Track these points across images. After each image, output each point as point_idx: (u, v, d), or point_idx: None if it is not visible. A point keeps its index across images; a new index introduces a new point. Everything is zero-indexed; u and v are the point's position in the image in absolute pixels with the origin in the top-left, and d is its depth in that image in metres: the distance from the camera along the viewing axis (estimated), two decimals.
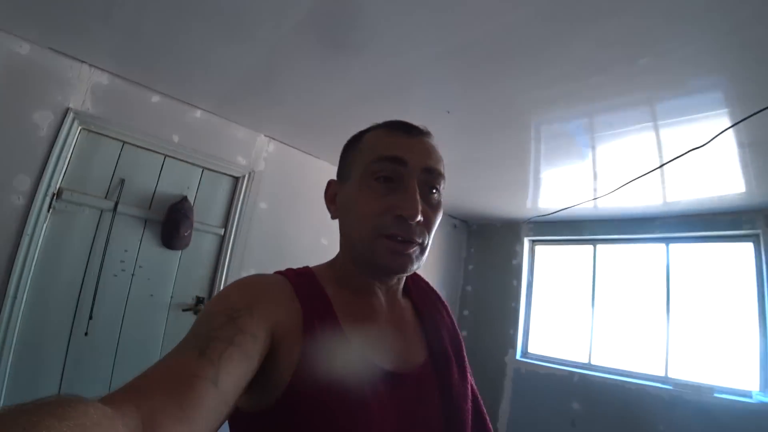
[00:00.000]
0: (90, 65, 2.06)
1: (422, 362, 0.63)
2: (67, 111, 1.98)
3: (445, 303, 0.78)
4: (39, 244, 1.89)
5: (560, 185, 3.00)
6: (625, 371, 3.32)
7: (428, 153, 0.61)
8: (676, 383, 3.04)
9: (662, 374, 3.15)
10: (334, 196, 0.67)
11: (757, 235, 2.94)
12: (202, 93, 2.25)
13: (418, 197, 0.57)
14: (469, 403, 0.63)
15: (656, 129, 2.00)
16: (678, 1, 1.22)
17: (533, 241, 4.13)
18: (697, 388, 2.93)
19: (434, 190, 0.61)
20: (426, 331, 0.67)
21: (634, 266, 3.51)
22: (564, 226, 3.84)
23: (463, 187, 3.31)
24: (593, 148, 2.33)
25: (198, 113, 2.43)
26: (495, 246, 4.32)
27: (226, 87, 2.13)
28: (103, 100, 2.10)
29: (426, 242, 0.60)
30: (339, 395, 0.50)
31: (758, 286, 2.88)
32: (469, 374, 0.68)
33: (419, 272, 0.73)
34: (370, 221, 0.58)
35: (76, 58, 2.02)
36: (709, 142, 1.98)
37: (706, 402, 2.87)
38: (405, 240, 0.57)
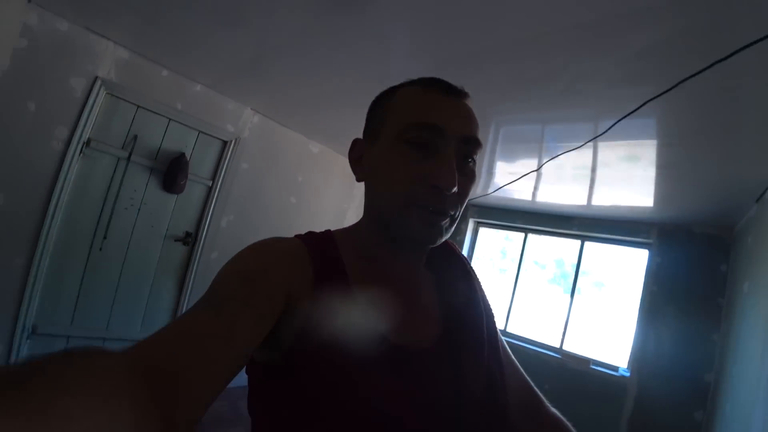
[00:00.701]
0: (114, 43, 2.64)
1: (436, 339, 0.59)
2: (95, 79, 2.59)
3: (476, 275, 0.71)
4: (71, 180, 2.58)
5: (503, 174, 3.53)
6: (530, 339, 4.06)
7: (467, 119, 0.56)
8: (565, 353, 3.76)
9: (557, 345, 3.87)
10: (360, 157, 0.62)
11: (650, 244, 3.53)
12: (202, 70, 2.82)
13: (455, 167, 0.53)
14: (482, 386, 0.58)
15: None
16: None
17: (477, 222, 4.76)
18: (579, 360, 3.65)
19: (470, 160, 0.57)
20: (443, 306, 0.63)
21: (554, 255, 4.15)
22: (503, 214, 4.44)
23: None
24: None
25: (198, 87, 3.02)
26: None
27: (222, 67, 2.69)
28: (124, 71, 2.70)
29: (457, 214, 0.57)
30: (340, 359, 0.50)
31: (644, 286, 3.50)
32: (495, 353, 0.63)
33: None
34: (402, 188, 0.54)
35: (104, 35, 2.59)
36: (580, 146, 2.45)
37: (584, 371, 3.59)
38: (437, 211, 0.54)
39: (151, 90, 2.82)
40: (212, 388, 0.37)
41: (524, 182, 3.40)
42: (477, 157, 0.58)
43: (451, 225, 0.57)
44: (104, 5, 2.25)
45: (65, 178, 2.53)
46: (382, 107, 0.61)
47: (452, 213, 0.56)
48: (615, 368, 3.53)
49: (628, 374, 3.39)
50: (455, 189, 0.52)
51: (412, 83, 0.60)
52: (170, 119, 2.95)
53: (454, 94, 0.57)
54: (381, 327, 0.54)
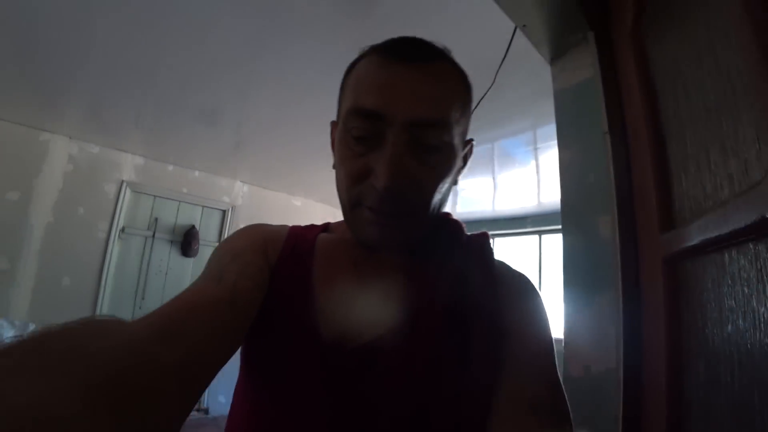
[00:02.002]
0: (132, 154, 3.65)
1: (397, 339, 0.47)
2: (122, 182, 3.57)
3: (502, 280, 0.54)
4: (114, 259, 3.47)
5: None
6: None
7: (419, 95, 0.43)
8: None
9: None
10: (333, 142, 0.54)
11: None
12: (198, 160, 3.81)
13: (399, 159, 0.43)
14: (451, 395, 0.45)
15: None
16: None
17: None
18: None
19: (432, 148, 0.45)
20: (411, 302, 0.49)
21: (521, 254, 4.90)
22: (472, 226, 5.24)
23: None
24: None
25: (196, 173, 4.02)
26: None
27: (212, 154, 3.66)
28: (141, 172, 3.69)
29: (425, 212, 0.47)
30: (272, 346, 0.50)
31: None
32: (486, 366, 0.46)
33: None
34: (347, 187, 0.47)
35: (124, 150, 3.60)
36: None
37: None
38: (383, 213, 0.45)
39: (163, 182, 3.80)
40: (221, 351, 0.39)
41: (484, 192, 4.23)
42: (445, 140, 0.45)
43: (417, 225, 0.48)
44: (121, 130, 3.26)
45: (110, 259, 3.43)
46: (344, 82, 0.51)
47: (410, 211, 0.46)
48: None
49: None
50: (392, 184, 0.42)
51: (373, 50, 0.48)
52: (180, 201, 3.91)
53: (410, 58, 0.45)
54: (323, 325, 0.47)
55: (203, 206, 4.06)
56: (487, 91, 1.50)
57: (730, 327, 0.54)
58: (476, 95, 0.55)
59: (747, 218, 0.48)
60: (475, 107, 0.69)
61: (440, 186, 0.47)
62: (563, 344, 0.97)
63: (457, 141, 0.48)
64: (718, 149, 0.57)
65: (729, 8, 0.54)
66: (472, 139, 0.55)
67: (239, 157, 3.68)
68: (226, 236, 3.94)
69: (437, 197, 0.48)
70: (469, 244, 0.57)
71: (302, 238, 0.56)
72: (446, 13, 1.64)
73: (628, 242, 0.86)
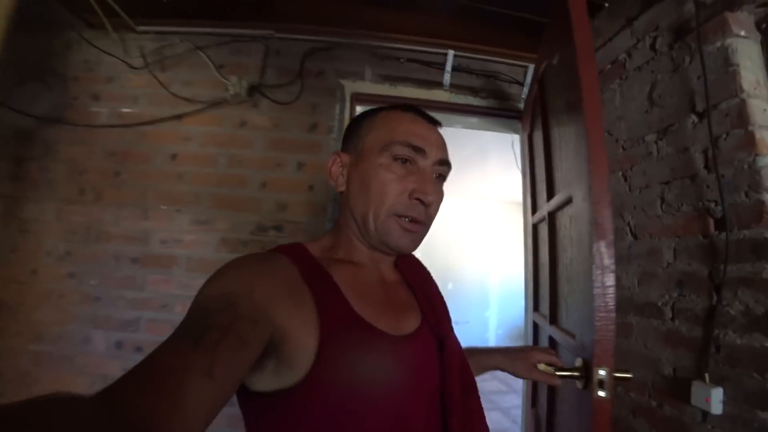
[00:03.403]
0: None
1: (418, 326, 0.66)
2: None
3: (431, 274, 0.82)
4: None
5: None
6: None
7: (443, 145, 0.69)
8: None
9: None
10: (341, 168, 0.70)
11: None
12: None
13: (435, 182, 0.66)
14: (459, 363, 0.68)
15: None
16: None
17: None
18: None
19: (443, 179, 0.70)
20: (418, 299, 0.71)
21: None
22: None
23: None
24: None
25: None
26: None
27: None
28: None
29: (430, 224, 0.68)
30: (362, 372, 0.55)
31: None
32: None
33: None
34: (389, 200, 0.63)
35: None
36: None
37: None
38: (417, 221, 0.64)
39: None
40: (197, 425, 0.37)
41: None
42: (446, 173, 0.70)
43: (424, 234, 0.68)
44: None
45: None
46: (363, 123, 0.70)
47: (427, 223, 0.67)
48: None
49: None
50: (433, 202, 0.64)
51: (394, 107, 0.71)
52: None
53: (434, 123, 0.71)
54: (384, 327, 0.60)
55: None
56: None
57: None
58: None
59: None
60: None
61: (439, 208, 0.70)
62: None
63: None
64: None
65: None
66: None
67: None
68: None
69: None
70: None
71: (313, 269, 0.61)
72: None
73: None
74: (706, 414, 1.08)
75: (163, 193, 1.73)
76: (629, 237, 1.44)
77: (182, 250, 1.70)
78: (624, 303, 1.43)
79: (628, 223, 1.45)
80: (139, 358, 0.36)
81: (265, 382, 0.52)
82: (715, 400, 1.04)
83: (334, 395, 0.52)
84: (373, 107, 0.74)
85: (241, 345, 0.44)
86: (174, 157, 1.75)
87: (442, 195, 0.69)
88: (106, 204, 1.73)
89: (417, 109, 0.71)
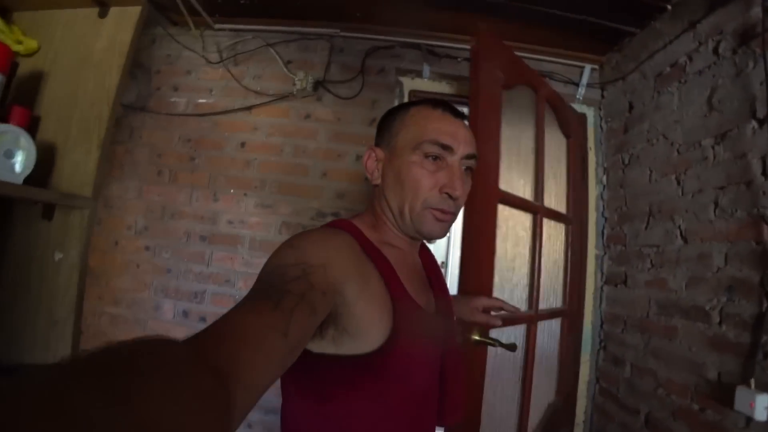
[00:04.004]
0: None
1: (434, 307, 0.81)
2: None
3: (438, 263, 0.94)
4: None
5: None
6: None
7: (470, 140, 0.75)
8: None
9: None
10: (376, 163, 0.77)
11: None
12: None
13: (462, 177, 0.73)
14: (454, 331, 0.88)
15: None
16: None
17: None
18: None
19: (471, 171, 0.76)
20: (432, 283, 0.85)
21: None
22: None
23: None
24: None
25: None
26: None
27: None
28: None
29: (458, 213, 0.77)
30: (422, 344, 0.71)
31: None
32: None
33: None
34: (422, 195, 0.71)
35: None
36: None
37: None
38: (448, 212, 0.72)
39: None
40: (266, 382, 0.40)
41: None
42: (474, 165, 0.76)
43: (453, 222, 0.76)
44: None
45: None
46: (395, 120, 0.77)
47: (456, 213, 0.75)
48: None
49: None
50: (460, 196, 0.71)
51: (422, 102, 0.77)
52: None
53: (460, 116, 0.76)
54: (423, 304, 0.74)
55: None
56: None
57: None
58: None
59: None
60: None
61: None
62: None
63: None
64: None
65: None
66: None
67: None
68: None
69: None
70: None
71: (371, 248, 0.70)
72: None
73: None
74: (749, 420, 1.10)
75: (232, 178, 1.90)
76: (679, 240, 1.46)
77: (247, 231, 1.87)
78: (669, 306, 1.46)
79: (679, 227, 1.47)
80: (202, 326, 0.39)
81: (323, 347, 0.61)
82: (760, 406, 1.06)
83: (403, 358, 0.64)
84: (404, 103, 0.83)
85: (312, 312, 0.49)
86: (243, 145, 1.92)
87: (469, 185, 0.76)
88: (181, 186, 1.92)
89: (445, 104, 0.76)
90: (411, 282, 0.73)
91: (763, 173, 1.17)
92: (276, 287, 0.49)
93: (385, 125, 0.79)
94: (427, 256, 0.90)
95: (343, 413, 0.64)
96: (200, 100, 1.98)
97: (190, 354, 0.34)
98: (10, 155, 0.79)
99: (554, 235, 1.77)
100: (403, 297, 0.68)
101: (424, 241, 0.87)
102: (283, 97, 1.92)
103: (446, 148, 0.71)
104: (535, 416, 1.60)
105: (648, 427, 1.50)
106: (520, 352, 1.53)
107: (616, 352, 1.74)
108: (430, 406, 0.76)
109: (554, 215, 1.75)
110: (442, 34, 1.90)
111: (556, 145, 1.81)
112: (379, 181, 0.77)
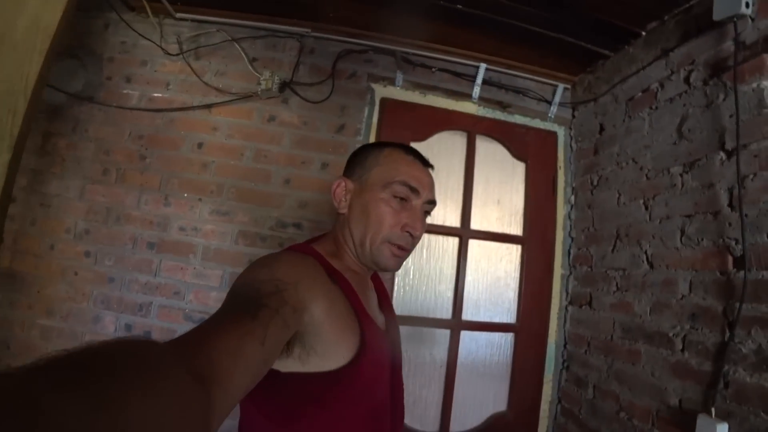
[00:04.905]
0: None
1: (385, 323, 0.88)
2: None
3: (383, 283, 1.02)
4: None
5: None
6: None
7: (433, 186, 0.86)
8: None
9: None
10: (345, 193, 0.85)
11: None
12: None
13: (423, 219, 0.83)
14: (400, 347, 0.94)
15: None
16: None
17: None
18: None
19: (428, 214, 0.87)
20: (381, 303, 0.92)
21: None
22: None
23: None
24: None
25: None
26: None
27: None
28: None
29: (412, 250, 0.85)
30: (381, 359, 0.76)
31: None
32: None
33: None
34: (384, 230, 0.79)
35: None
36: None
37: None
38: (406, 249, 0.81)
39: None
40: (243, 389, 0.43)
41: None
42: (432, 211, 0.88)
43: (406, 258, 0.85)
44: None
45: None
46: (369, 156, 0.86)
47: (411, 249, 0.83)
48: None
49: None
50: (420, 236, 0.81)
51: (396, 146, 0.87)
52: None
53: (427, 165, 0.87)
54: (380, 323, 0.83)
55: None
56: None
57: None
58: None
59: None
60: None
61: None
62: None
63: None
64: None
65: None
66: None
67: None
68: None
69: None
70: None
71: (335, 271, 0.75)
72: None
73: None
74: None
75: (187, 180, 1.78)
76: (645, 265, 1.49)
77: (200, 239, 1.75)
78: (634, 330, 1.48)
79: (645, 252, 1.49)
80: None
81: (289, 365, 0.63)
82: None
83: (368, 373, 0.69)
84: (378, 142, 0.99)
85: (285, 326, 0.53)
86: (200, 145, 1.80)
87: (425, 227, 0.85)
88: (129, 187, 1.78)
89: (416, 152, 0.87)
90: (368, 304, 0.80)
91: (730, 204, 1.21)
92: (252, 300, 0.52)
93: (359, 159, 0.87)
94: (377, 279, 0.99)
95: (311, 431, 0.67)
96: (155, 94, 1.84)
97: (171, 357, 0.34)
98: None
99: (499, 255, 1.92)
100: (365, 317, 0.74)
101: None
102: (246, 97, 1.82)
103: (413, 190, 0.81)
104: (471, 418, 1.82)
105: None
106: (444, 354, 1.82)
107: (580, 373, 1.75)
108: (385, 420, 0.80)
109: (494, 237, 1.91)
110: (417, 42, 1.86)
111: (508, 172, 1.97)
112: (345, 211, 0.84)
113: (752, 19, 1.21)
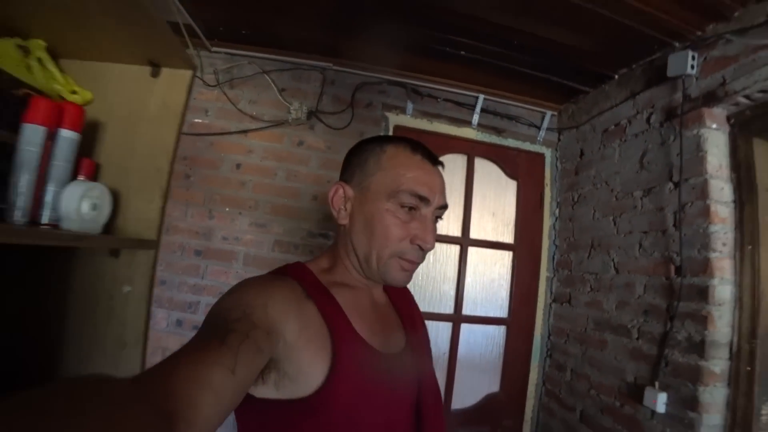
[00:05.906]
0: None
1: (404, 346, 0.79)
2: None
3: (412, 296, 0.95)
4: None
5: None
6: None
7: (444, 189, 0.77)
8: None
9: None
10: (344, 201, 0.76)
11: None
12: None
13: (435, 230, 0.74)
14: (432, 376, 0.83)
15: None
16: None
17: None
18: None
19: (439, 218, 0.78)
20: (403, 321, 0.84)
21: None
22: None
23: None
24: None
25: None
26: None
27: None
28: None
29: (423, 261, 0.76)
30: (371, 386, 0.66)
31: None
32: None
33: None
34: (392, 244, 0.72)
35: None
36: None
37: None
38: (416, 263, 0.74)
39: None
40: (215, 420, 0.42)
41: None
42: (443, 216, 0.79)
43: (415, 270, 0.77)
44: None
45: None
46: (369, 158, 0.75)
47: (422, 262, 0.76)
48: None
49: None
50: (431, 248, 0.73)
51: (400, 141, 0.77)
52: None
53: (437, 163, 0.78)
54: (378, 345, 0.71)
55: None
56: None
57: None
58: None
59: None
60: None
61: None
62: None
63: None
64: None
65: None
66: None
67: None
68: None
69: None
70: None
71: (318, 289, 0.70)
72: None
73: None
74: (653, 412, 1.52)
75: (227, 197, 2.11)
76: (612, 270, 1.87)
77: (241, 247, 2.08)
78: (603, 323, 1.87)
79: (613, 260, 1.88)
80: None
81: (264, 392, 0.60)
82: (660, 402, 1.48)
83: (341, 404, 0.61)
84: (378, 137, 0.86)
85: (258, 351, 0.50)
86: (238, 166, 2.13)
87: (436, 236, 0.77)
88: (176, 202, 2.10)
89: (423, 149, 0.77)
90: (365, 321, 0.72)
91: (674, 225, 1.58)
92: (220, 327, 0.50)
93: (358, 161, 0.77)
94: (400, 296, 0.90)
95: None
96: (196, 120, 2.15)
97: (133, 393, 0.35)
98: (94, 208, 1.00)
99: (493, 260, 2.31)
100: (347, 337, 0.67)
101: None
102: (278, 124, 2.14)
103: (423, 199, 0.72)
104: (468, 398, 2.22)
105: (582, 421, 1.91)
106: (446, 343, 2.20)
107: (560, 360, 2.15)
108: None
109: (489, 245, 2.30)
110: (423, 75, 2.20)
111: (502, 188, 2.36)
112: (345, 222, 0.76)
113: (696, 78, 1.57)
